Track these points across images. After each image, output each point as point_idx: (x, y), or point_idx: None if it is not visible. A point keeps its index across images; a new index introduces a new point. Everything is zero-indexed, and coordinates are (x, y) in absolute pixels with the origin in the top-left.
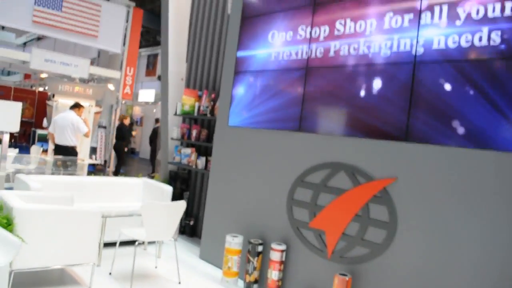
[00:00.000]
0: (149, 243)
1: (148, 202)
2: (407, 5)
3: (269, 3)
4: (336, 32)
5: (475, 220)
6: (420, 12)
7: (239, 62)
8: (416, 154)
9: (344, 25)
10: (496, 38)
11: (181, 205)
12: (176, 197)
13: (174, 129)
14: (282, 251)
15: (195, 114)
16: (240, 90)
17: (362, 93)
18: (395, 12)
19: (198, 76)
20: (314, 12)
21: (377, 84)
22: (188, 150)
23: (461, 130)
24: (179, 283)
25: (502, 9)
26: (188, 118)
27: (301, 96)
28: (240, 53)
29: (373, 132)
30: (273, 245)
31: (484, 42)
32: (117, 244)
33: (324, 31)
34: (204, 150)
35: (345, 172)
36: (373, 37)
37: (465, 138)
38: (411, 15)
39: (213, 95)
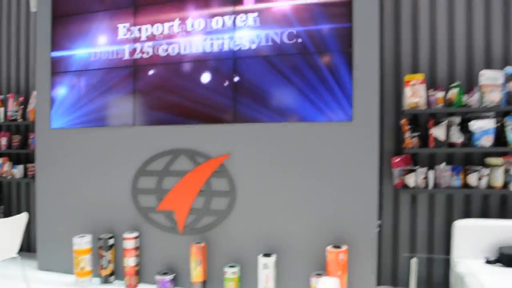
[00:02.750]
0: None
1: None
2: (224, 10)
3: (86, 2)
4: (161, 32)
5: (297, 180)
6: (235, 16)
7: (56, 63)
8: (244, 132)
9: (169, 26)
10: (290, 38)
11: (23, 218)
12: None
13: None
14: (135, 238)
15: (1, 120)
16: (61, 91)
17: (193, 86)
18: (214, 15)
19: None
20: (136, 12)
21: (205, 77)
22: None
23: (275, 109)
24: None
25: (301, 14)
26: None
27: (132, 93)
28: (56, 54)
29: (206, 118)
30: (125, 235)
31: (280, 41)
32: None
33: (147, 30)
34: (19, 157)
35: (185, 156)
36: (198, 36)
37: (279, 115)
38: (228, 18)
39: (21, 99)
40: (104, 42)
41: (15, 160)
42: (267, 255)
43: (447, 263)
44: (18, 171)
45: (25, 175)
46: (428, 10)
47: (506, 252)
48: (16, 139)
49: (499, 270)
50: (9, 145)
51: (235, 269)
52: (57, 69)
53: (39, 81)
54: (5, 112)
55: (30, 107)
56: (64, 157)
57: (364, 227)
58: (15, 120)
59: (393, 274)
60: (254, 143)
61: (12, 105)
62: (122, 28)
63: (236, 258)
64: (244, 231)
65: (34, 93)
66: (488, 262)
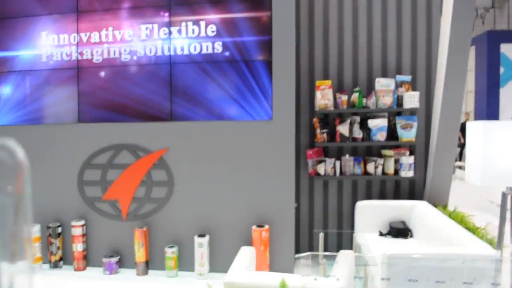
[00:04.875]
0: None
1: None
2: (162, 20)
3: (31, 6)
4: (103, 37)
5: (226, 170)
6: (172, 25)
7: (0, 63)
8: (180, 129)
9: (111, 32)
10: (219, 47)
11: None
12: None
13: None
14: (82, 225)
15: None
16: (6, 90)
17: (134, 87)
18: (153, 23)
19: None
20: (79, 18)
21: (145, 80)
22: None
23: (206, 109)
24: None
25: (229, 27)
26: None
27: (77, 92)
28: (0, 54)
29: (146, 117)
30: (73, 223)
31: (210, 50)
32: None
33: (90, 35)
34: None
35: (128, 150)
36: (138, 43)
37: (210, 114)
38: (165, 28)
39: None
40: (48, 44)
41: None
42: (201, 235)
43: (351, 236)
44: None
45: None
46: (336, 26)
47: (395, 226)
48: None
49: (388, 240)
50: None
51: (174, 249)
52: (1, 68)
53: None
54: None
55: None
56: None
57: (284, 209)
58: None
59: (310, 245)
60: (189, 139)
61: None
62: (66, 32)
63: (175, 239)
64: (181, 215)
65: None
66: (381, 234)
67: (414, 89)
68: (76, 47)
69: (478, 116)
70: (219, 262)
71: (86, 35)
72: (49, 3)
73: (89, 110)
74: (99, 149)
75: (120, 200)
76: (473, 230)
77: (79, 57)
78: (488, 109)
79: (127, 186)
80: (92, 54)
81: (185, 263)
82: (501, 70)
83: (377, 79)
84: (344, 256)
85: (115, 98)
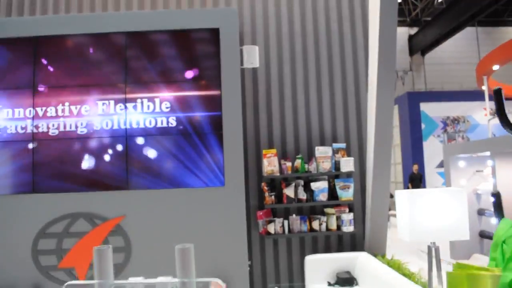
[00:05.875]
0: None
1: None
2: (117, 96)
3: None
4: (59, 111)
5: (183, 233)
6: (126, 102)
7: None
8: (136, 197)
9: (67, 107)
10: (173, 122)
11: None
12: None
13: None
14: None
15: None
16: None
17: (92, 158)
18: (109, 99)
19: None
20: (36, 93)
21: (101, 151)
22: None
23: (162, 177)
24: None
25: (182, 104)
26: None
27: (31, 163)
28: None
29: (103, 186)
30: None
31: (165, 124)
32: None
33: (45, 110)
34: None
35: (84, 219)
36: (94, 117)
37: (166, 182)
38: (121, 103)
39: None
40: (2, 118)
41: None
42: None
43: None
44: None
45: None
46: (278, 100)
47: (341, 276)
48: None
49: None
50: None
51: None
52: None
53: None
54: None
55: None
56: None
57: (238, 266)
58: None
59: None
60: (145, 206)
61: None
62: (22, 107)
63: None
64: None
65: None
66: (329, 284)
67: (348, 154)
68: (32, 120)
69: (405, 168)
70: None
71: (42, 110)
72: (5, 77)
73: (44, 180)
74: (54, 218)
75: (76, 267)
76: (408, 276)
77: (35, 130)
78: (414, 160)
79: (84, 253)
80: (48, 127)
81: None
82: (423, 126)
83: (316, 147)
84: None
85: (71, 169)
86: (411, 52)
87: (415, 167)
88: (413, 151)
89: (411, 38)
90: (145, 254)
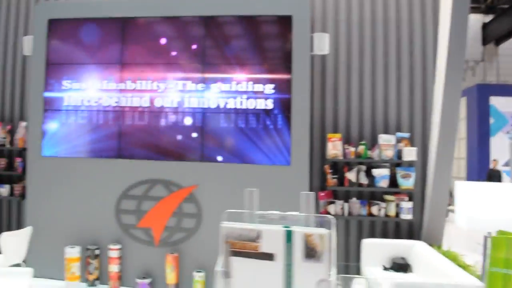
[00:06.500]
0: None
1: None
2: (195, 76)
3: (79, 55)
4: (142, 86)
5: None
6: (204, 82)
7: (48, 102)
8: (209, 168)
9: (150, 82)
10: (245, 101)
11: (28, 230)
12: None
13: None
14: (118, 249)
15: None
16: (52, 125)
17: (171, 131)
18: (187, 79)
19: None
20: (122, 68)
21: (180, 124)
22: None
23: (233, 152)
24: None
25: (254, 85)
26: None
27: (117, 132)
28: (48, 94)
29: (180, 156)
30: (110, 246)
31: (238, 103)
32: None
33: (132, 84)
34: (6, 178)
35: (162, 185)
36: (174, 94)
37: (236, 157)
38: (199, 82)
39: (8, 127)
40: (94, 89)
41: (1, 181)
42: None
43: (358, 268)
44: (5, 190)
45: (12, 194)
46: (345, 86)
47: (396, 261)
48: (3, 161)
49: (391, 274)
50: None
51: (202, 274)
52: (49, 106)
53: (32, 115)
54: None
55: (19, 135)
56: (54, 181)
57: None
58: (3, 145)
59: None
60: (216, 177)
61: (0, 132)
62: (111, 80)
63: (203, 265)
64: (208, 244)
65: (23, 124)
66: (385, 268)
67: (411, 144)
68: (119, 92)
69: (469, 163)
70: None
71: (128, 84)
72: (96, 54)
73: (128, 148)
74: (136, 182)
75: (153, 228)
76: (464, 267)
77: (122, 102)
78: (480, 156)
79: (160, 216)
80: (133, 100)
81: (211, 286)
82: (491, 120)
83: (380, 135)
84: (359, 283)
85: (152, 139)
86: (484, 41)
87: (494, 163)
88: (479, 146)
89: (485, 26)
90: (214, 220)
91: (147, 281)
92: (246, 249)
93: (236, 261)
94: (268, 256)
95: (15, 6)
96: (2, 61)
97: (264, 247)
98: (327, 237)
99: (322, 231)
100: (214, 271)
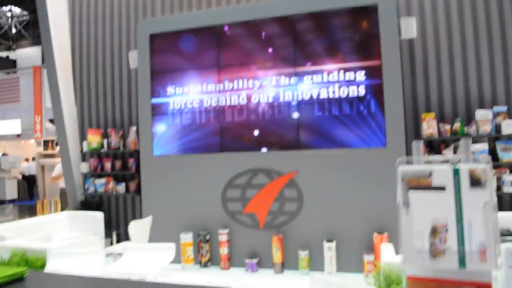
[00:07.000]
0: None
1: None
2: (288, 70)
3: (180, 63)
4: (239, 85)
5: (347, 188)
6: (297, 75)
7: (155, 107)
8: (306, 155)
9: (246, 81)
10: (337, 90)
11: (150, 220)
12: None
13: (82, 164)
14: (227, 233)
15: (105, 149)
16: (160, 128)
17: (267, 123)
18: (280, 74)
19: (99, 117)
20: (219, 70)
21: (277, 116)
22: (102, 180)
23: (329, 139)
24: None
25: (346, 73)
26: (96, 153)
27: (219, 128)
28: (155, 100)
29: (278, 146)
30: (220, 231)
31: (331, 92)
32: None
33: (229, 84)
34: (121, 177)
35: (263, 173)
36: (269, 89)
37: (332, 143)
38: (292, 77)
39: (121, 132)
40: (195, 92)
41: (120, 179)
42: (329, 241)
43: None
44: (122, 187)
45: (127, 190)
46: (435, 65)
47: (502, 233)
48: (119, 163)
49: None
50: (112, 168)
51: (306, 252)
52: (156, 111)
53: (142, 120)
54: (108, 142)
55: (130, 139)
56: (165, 176)
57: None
58: (118, 148)
59: None
60: (314, 163)
61: (114, 137)
62: (210, 82)
63: (306, 244)
64: (310, 225)
65: (133, 128)
66: None
67: (510, 117)
68: (218, 93)
69: None
70: (345, 263)
71: (225, 85)
72: (194, 60)
73: (230, 142)
74: (239, 172)
75: (257, 213)
76: None
77: (221, 101)
78: None
79: (264, 201)
80: (231, 99)
81: (315, 264)
82: None
83: (476, 111)
84: None
85: (251, 132)
86: None
87: None
88: None
89: None
90: (314, 203)
91: (255, 260)
92: (421, 184)
93: (413, 193)
94: (440, 188)
95: (118, 26)
96: (111, 74)
97: (436, 182)
98: (488, 170)
99: (484, 165)
100: (396, 203)
